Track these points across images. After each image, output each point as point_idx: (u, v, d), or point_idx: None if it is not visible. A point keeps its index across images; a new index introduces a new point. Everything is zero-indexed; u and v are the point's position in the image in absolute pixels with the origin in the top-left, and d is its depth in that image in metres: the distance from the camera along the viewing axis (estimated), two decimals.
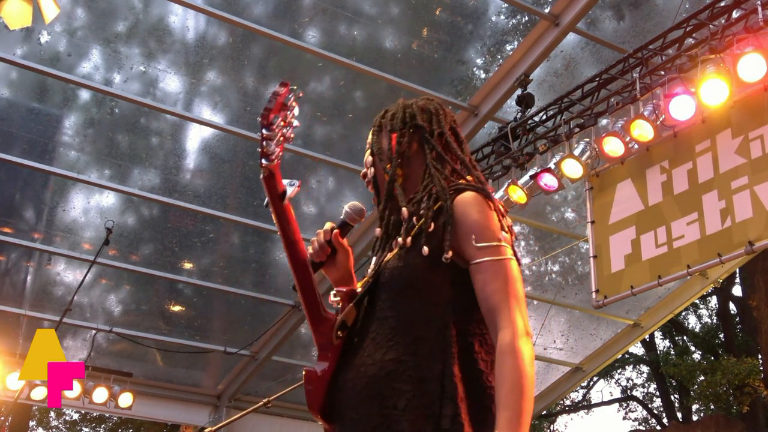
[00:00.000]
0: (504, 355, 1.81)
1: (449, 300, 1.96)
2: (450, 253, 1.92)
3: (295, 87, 2.00)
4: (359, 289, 2.09)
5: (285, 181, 2.04)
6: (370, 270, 2.11)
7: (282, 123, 1.97)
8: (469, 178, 2.11)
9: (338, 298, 2.08)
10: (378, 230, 2.13)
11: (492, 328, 1.89)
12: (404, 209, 2.05)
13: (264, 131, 1.95)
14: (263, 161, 1.97)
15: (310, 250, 2.15)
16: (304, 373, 2.01)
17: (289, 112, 1.98)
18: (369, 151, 2.22)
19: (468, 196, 2.01)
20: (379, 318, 1.98)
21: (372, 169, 2.19)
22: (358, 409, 1.91)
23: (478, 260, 1.93)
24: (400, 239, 2.00)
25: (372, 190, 2.22)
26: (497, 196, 6.58)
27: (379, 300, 2.00)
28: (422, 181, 2.09)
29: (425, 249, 1.94)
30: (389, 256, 2.04)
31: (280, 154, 1.98)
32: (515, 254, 2.00)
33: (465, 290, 1.96)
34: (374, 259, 2.14)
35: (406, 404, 1.85)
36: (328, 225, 2.19)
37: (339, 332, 2.04)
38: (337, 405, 1.98)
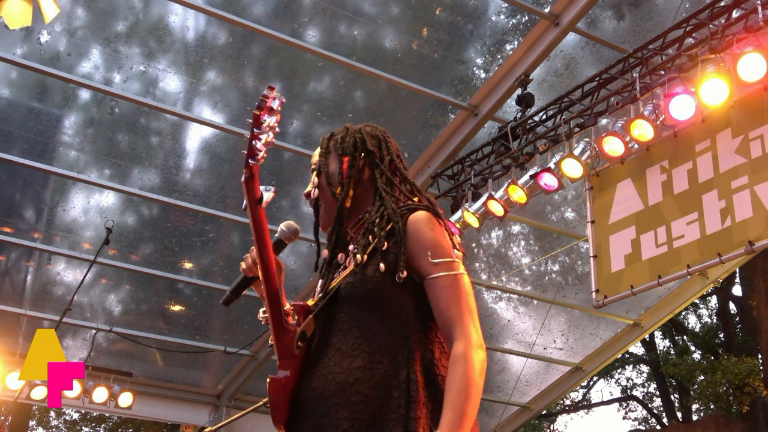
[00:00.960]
0: (456, 363, 1.94)
1: (409, 311, 2.06)
2: (404, 273, 2.03)
3: (278, 93, 2.02)
4: (310, 304, 2.16)
5: (261, 187, 2.06)
6: (319, 287, 2.18)
7: (269, 126, 2.00)
8: (416, 199, 2.22)
9: (266, 316, 2.14)
10: (325, 252, 2.22)
11: (447, 338, 2.02)
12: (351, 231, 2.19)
13: (254, 130, 1.99)
14: (250, 160, 2.00)
15: (243, 265, 2.21)
16: (268, 381, 2.05)
17: (274, 117, 2.01)
18: (315, 171, 2.27)
19: (421, 215, 2.12)
20: (341, 330, 2.06)
21: (316, 190, 2.24)
22: (328, 415, 1.96)
23: (434, 275, 2.05)
24: (358, 256, 2.07)
25: (313, 209, 2.27)
26: (497, 195, 6.58)
27: (340, 313, 2.08)
28: (373, 203, 2.19)
29: (381, 266, 2.04)
30: (344, 273, 2.11)
31: (265, 156, 2.01)
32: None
33: (423, 302, 2.07)
34: (320, 280, 2.20)
35: (376, 409, 1.94)
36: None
37: (300, 342, 2.09)
38: (303, 412, 2.03)
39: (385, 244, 2.07)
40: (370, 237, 2.11)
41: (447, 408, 1.89)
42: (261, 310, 2.19)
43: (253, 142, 2.00)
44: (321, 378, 2.01)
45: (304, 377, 2.06)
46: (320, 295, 2.16)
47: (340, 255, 2.17)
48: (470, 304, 2.04)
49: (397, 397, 1.95)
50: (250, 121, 2.01)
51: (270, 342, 2.15)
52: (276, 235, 2.27)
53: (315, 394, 2.00)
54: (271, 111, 2.00)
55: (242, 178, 2.03)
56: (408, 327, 2.04)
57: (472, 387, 1.91)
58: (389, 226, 2.10)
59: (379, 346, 2.01)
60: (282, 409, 2.04)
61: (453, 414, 1.87)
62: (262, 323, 2.21)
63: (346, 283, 2.08)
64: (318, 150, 2.33)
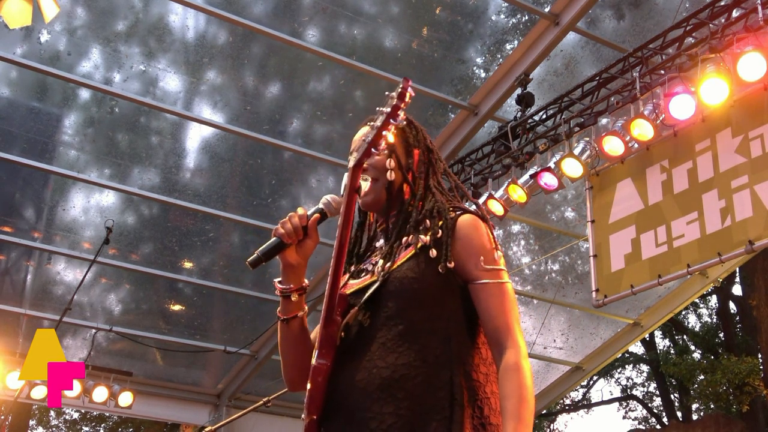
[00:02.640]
0: (511, 372, 1.96)
1: (452, 313, 2.05)
2: (452, 263, 2.02)
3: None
4: (352, 292, 2.12)
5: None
6: (368, 275, 2.14)
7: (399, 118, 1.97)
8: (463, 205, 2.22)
9: (289, 285, 2.13)
10: (381, 242, 2.20)
11: (496, 345, 2.04)
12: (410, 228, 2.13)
13: (391, 120, 1.94)
14: (372, 149, 1.96)
15: (280, 229, 2.12)
16: (314, 367, 2.01)
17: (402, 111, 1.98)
18: (389, 153, 2.19)
19: (471, 218, 2.12)
20: (386, 324, 2.03)
21: (392, 173, 2.17)
22: (372, 409, 1.94)
23: (484, 281, 2.06)
24: (423, 237, 2.06)
25: (373, 192, 2.20)
26: (497, 195, 6.59)
27: (385, 306, 2.04)
28: (424, 198, 2.17)
29: (433, 251, 2.03)
30: (397, 262, 2.08)
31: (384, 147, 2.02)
32: None
33: (465, 305, 2.07)
34: (370, 264, 2.17)
35: (420, 408, 1.93)
36: (301, 210, 2.16)
37: (342, 333, 2.07)
38: (342, 403, 2.00)
39: (440, 232, 2.06)
40: (428, 222, 2.10)
41: (509, 418, 1.91)
42: (277, 279, 2.16)
43: (385, 132, 1.94)
44: (365, 371, 1.98)
45: (343, 368, 2.02)
46: (363, 281, 2.13)
47: (379, 243, 2.15)
48: (517, 314, 2.09)
49: (441, 398, 1.94)
50: (384, 109, 1.94)
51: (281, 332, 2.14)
52: (319, 206, 2.19)
53: (358, 387, 1.97)
54: (405, 103, 1.96)
55: (351, 164, 1.99)
56: (450, 329, 2.03)
57: (528, 394, 1.94)
58: (441, 221, 2.09)
59: (423, 345, 1.99)
60: (319, 398, 2.01)
61: (516, 422, 1.89)
62: (276, 293, 2.15)
63: (395, 278, 2.04)
64: (367, 129, 2.26)
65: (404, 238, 2.11)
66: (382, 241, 2.23)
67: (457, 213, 2.13)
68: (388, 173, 2.17)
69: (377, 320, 2.04)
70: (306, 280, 2.16)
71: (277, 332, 2.20)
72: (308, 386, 2.02)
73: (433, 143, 2.30)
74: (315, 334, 2.17)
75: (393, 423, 1.91)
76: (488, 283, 2.06)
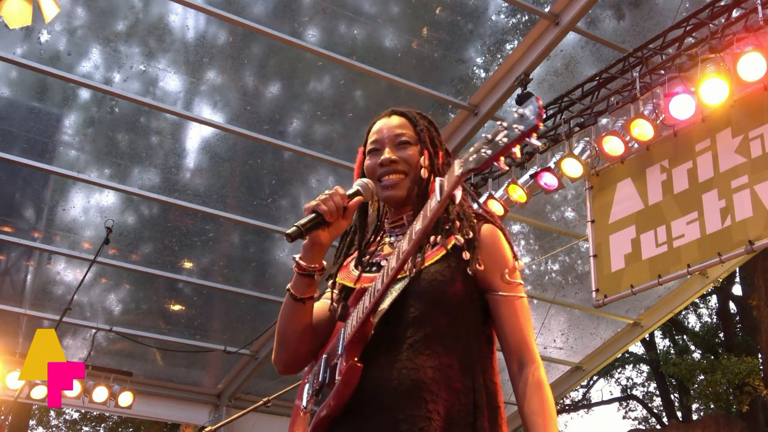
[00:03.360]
0: (538, 387, 2.02)
1: (471, 321, 2.06)
2: (482, 266, 2.02)
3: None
4: (376, 289, 2.04)
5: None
6: (394, 271, 2.04)
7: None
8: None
9: (315, 265, 2.07)
10: (393, 239, 2.20)
11: (516, 358, 2.05)
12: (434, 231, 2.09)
13: (527, 138, 1.73)
14: (494, 162, 1.81)
15: (322, 206, 2.03)
16: (354, 366, 1.95)
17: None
18: (427, 151, 2.17)
19: (493, 228, 2.13)
20: (412, 325, 2.00)
21: (425, 171, 2.15)
22: (404, 410, 1.91)
23: (507, 293, 2.07)
24: (460, 237, 2.02)
25: (400, 185, 2.16)
26: (497, 195, 6.59)
27: (411, 306, 2.01)
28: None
29: (466, 253, 2.01)
30: (428, 261, 2.05)
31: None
32: None
33: (483, 314, 2.08)
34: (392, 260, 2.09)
35: (447, 412, 1.93)
36: (341, 190, 2.09)
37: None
38: (371, 402, 1.95)
39: (471, 233, 2.06)
40: (457, 224, 2.07)
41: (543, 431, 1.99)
42: (297, 256, 2.09)
43: (514, 149, 1.78)
44: (396, 371, 1.95)
45: (371, 365, 1.97)
46: (371, 276, 2.10)
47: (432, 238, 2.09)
48: (533, 329, 2.11)
49: (465, 404, 1.96)
50: (517, 126, 1.73)
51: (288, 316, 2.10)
52: (356, 187, 2.14)
53: (389, 386, 1.94)
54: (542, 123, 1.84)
55: (457, 172, 1.82)
56: (471, 337, 2.04)
57: (554, 412, 2.04)
58: (469, 224, 2.09)
59: (448, 349, 1.99)
60: (349, 395, 1.96)
61: None
62: (297, 270, 2.08)
63: (425, 279, 2.02)
64: (399, 120, 2.24)
65: (431, 237, 2.07)
66: (393, 238, 2.20)
67: (481, 221, 2.12)
68: (422, 170, 2.14)
69: (404, 319, 2.01)
70: (324, 262, 2.11)
71: (283, 312, 2.12)
72: (338, 383, 1.96)
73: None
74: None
75: (425, 426, 1.89)
76: (510, 296, 2.07)
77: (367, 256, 2.22)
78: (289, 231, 2.03)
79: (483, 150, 1.79)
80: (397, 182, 2.16)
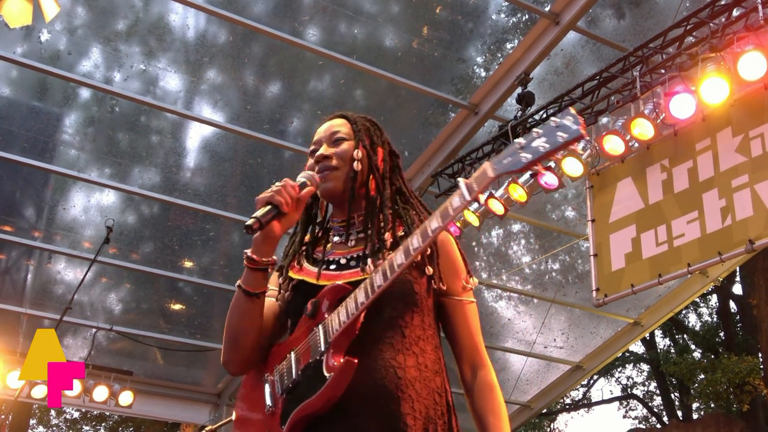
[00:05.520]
0: (491, 389, 2.09)
1: (433, 323, 2.12)
2: (444, 285, 2.11)
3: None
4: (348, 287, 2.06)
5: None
6: (352, 270, 2.11)
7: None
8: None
9: (269, 258, 2.08)
10: (338, 239, 2.21)
11: (467, 361, 2.13)
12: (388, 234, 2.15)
13: (562, 152, 1.81)
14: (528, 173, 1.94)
15: (277, 197, 2.04)
16: (350, 362, 1.94)
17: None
18: (347, 141, 2.21)
19: (450, 236, 2.22)
20: (390, 325, 2.03)
21: (359, 164, 2.18)
22: (391, 408, 1.94)
23: (464, 298, 2.16)
24: (429, 269, 2.10)
25: (338, 179, 2.18)
26: (498, 194, 6.59)
27: (386, 307, 2.03)
28: (393, 200, 2.20)
29: (429, 269, 2.09)
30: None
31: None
32: None
33: (437, 316, 2.15)
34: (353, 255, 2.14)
35: (427, 411, 1.98)
36: (291, 181, 2.09)
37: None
38: (360, 401, 1.94)
39: (428, 250, 2.10)
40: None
41: None
42: (248, 251, 2.08)
43: (550, 157, 1.79)
44: (383, 369, 1.96)
45: (359, 365, 1.96)
46: (336, 274, 2.11)
47: (352, 240, 2.16)
48: (481, 333, 2.19)
49: (441, 403, 2.02)
50: (561, 134, 1.75)
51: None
52: (301, 178, 2.15)
53: (377, 385, 1.95)
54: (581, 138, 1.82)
55: (494, 173, 1.82)
56: (437, 337, 2.11)
57: (506, 413, 2.08)
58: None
59: (422, 349, 2.04)
60: (341, 392, 1.94)
61: None
62: (248, 265, 2.07)
63: (398, 280, 1.98)
64: (339, 120, 2.27)
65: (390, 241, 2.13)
66: (338, 237, 2.22)
67: None
68: (355, 163, 2.17)
69: (382, 319, 2.02)
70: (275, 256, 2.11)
71: (234, 310, 2.10)
72: (331, 379, 1.93)
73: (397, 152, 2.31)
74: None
75: (412, 424, 1.93)
76: (467, 302, 2.16)
77: (321, 255, 2.21)
78: (248, 222, 2.02)
79: (521, 154, 1.79)
80: (330, 176, 2.17)
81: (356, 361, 1.94)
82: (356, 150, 2.19)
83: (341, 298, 2.02)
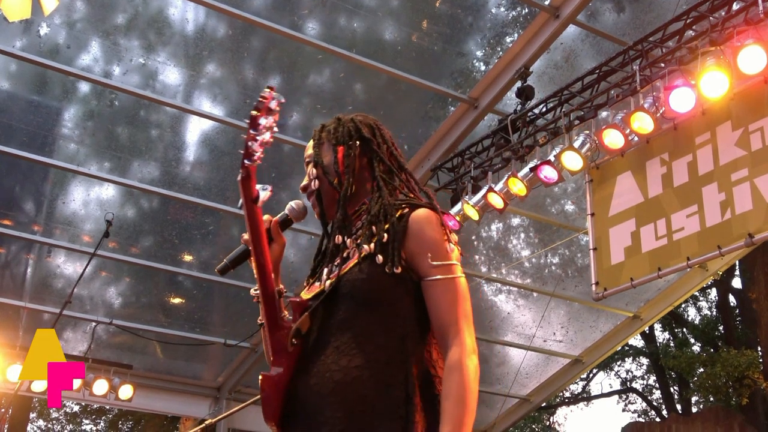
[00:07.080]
0: (452, 371, 1.93)
1: (407, 311, 2.03)
2: (399, 269, 2.01)
3: (277, 93, 1.97)
4: (305, 297, 2.14)
5: (258, 186, 2.03)
6: (323, 281, 2.13)
7: (266, 126, 1.95)
8: (413, 192, 2.22)
9: (257, 293, 2.14)
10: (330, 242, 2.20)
11: (442, 343, 2.01)
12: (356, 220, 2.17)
13: (251, 131, 1.93)
14: (245, 161, 1.95)
15: (244, 236, 2.13)
16: (261, 377, 2.03)
17: (272, 117, 1.96)
18: (311, 163, 2.26)
19: (423, 213, 2.09)
20: (339, 328, 2.03)
21: (316, 182, 2.22)
22: (324, 414, 1.95)
23: (432, 277, 2.03)
24: (366, 247, 2.05)
25: (314, 202, 2.25)
26: (497, 188, 6.58)
27: (339, 310, 2.04)
28: (371, 193, 2.18)
29: (379, 257, 2.02)
30: (346, 267, 2.08)
31: (261, 156, 1.97)
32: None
33: (421, 302, 2.05)
34: (324, 270, 2.15)
35: (373, 410, 1.92)
36: (266, 216, 2.17)
37: (294, 339, 2.07)
38: (298, 410, 2.01)
39: (385, 236, 2.04)
40: (374, 228, 2.08)
41: (446, 419, 1.89)
42: (253, 288, 2.17)
43: (250, 143, 1.94)
44: (318, 375, 1.98)
45: (300, 374, 2.03)
46: (318, 287, 2.13)
47: (349, 241, 2.13)
48: (466, 309, 2.02)
49: (396, 397, 1.94)
50: (247, 120, 1.94)
51: (263, 339, 2.13)
52: (284, 212, 2.26)
53: (312, 392, 1.98)
54: (269, 111, 1.94)
55: (238, 177, 1.99)
56: (406, 327, 2.02)
57: (468, 396, 1.91)
58: (387, 222, 2.08)
59: (377, 345, 1.99)
60: (275, 406, 2.02)
61: (451, 426, 1.87)
62: (254, 300, 2.18)
63: (346, 281, 2.04)
64: (311, 142, 2.31)
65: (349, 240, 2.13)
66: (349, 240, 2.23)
67: (411, 208, 2.11)
68: (313, 182, 2.22)
69: (331, 324, 2.04)
70: (282, 285, 2.17)
71: (263, 340, 2.18)
72: (262, 395, 2.03)
73: (376, 131, 2.29)
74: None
75: (345, 427, 1.91)
76: (438, 279, 2.02)
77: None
78: (219, 266, 2.21)
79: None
80: (314, 201, 2.24)
81: (265, 375, 2.03)
82: (312, 169, 2.24)
83: (302, 312, 2.09)
